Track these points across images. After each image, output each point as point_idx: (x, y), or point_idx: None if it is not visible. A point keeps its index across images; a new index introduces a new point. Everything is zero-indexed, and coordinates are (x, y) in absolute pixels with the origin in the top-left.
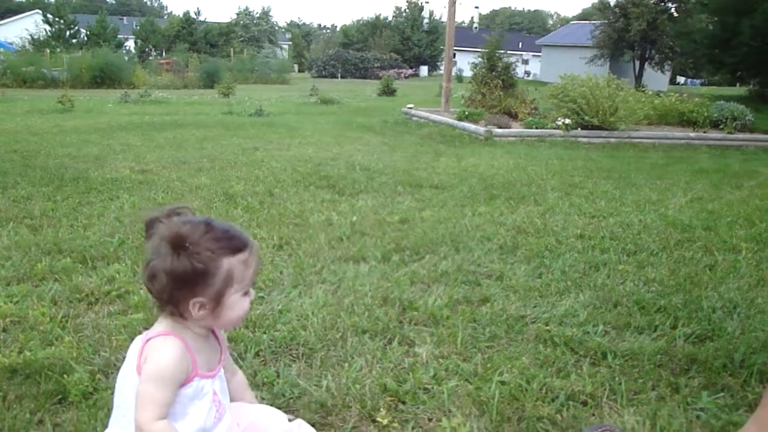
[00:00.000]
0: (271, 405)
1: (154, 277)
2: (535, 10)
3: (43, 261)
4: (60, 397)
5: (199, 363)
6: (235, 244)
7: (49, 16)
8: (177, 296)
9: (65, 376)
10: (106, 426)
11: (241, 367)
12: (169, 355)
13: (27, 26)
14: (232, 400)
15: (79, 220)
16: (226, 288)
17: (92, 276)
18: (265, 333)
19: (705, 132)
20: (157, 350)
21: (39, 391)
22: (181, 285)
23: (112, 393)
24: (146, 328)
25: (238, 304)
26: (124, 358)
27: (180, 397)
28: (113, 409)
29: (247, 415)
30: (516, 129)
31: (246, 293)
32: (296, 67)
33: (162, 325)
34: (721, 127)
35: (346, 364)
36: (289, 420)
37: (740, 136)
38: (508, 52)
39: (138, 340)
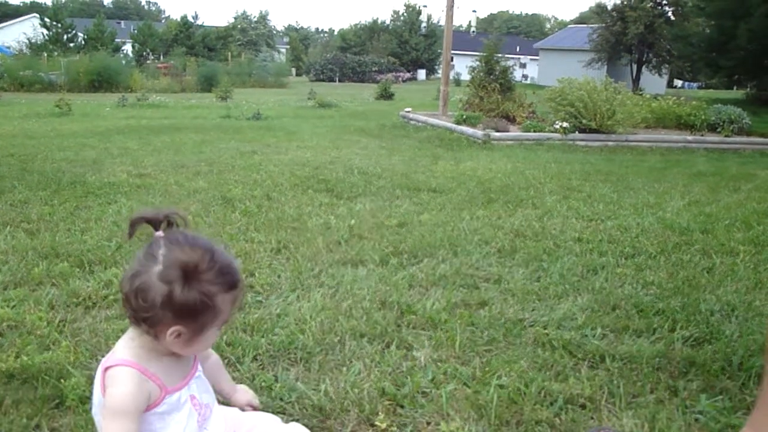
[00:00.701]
0: (269, 409)
1: (142, 293)
2: (532, 14)
3: (40, 265)
4: (57, 401)
5: (167, 381)
6: (232, 281)
7: (46, 19)
8: (160, 319)
9: (62, 380)
10: None
11: (239, 371)
12: (124, 390)
13: (24, 30)
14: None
15: (77, 224)
16: (210, 323)
17: (89, 280)
18: (263, 337)
19: (702, 135)
20: (113, 384)
21: (36, 395)
22: (173, 312)
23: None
24: None
25: (210, 338)
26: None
27: (155, 417)
28: None
29: (243, 423)
30: (514, 132)
31: (219, 328)
32: (294, 70)
33: (123, 347)
34: (718, 130)
35: (345, 368)
36: (285, 423)
37: (737, 139)
38: (506, 55)
39: (100, 367)
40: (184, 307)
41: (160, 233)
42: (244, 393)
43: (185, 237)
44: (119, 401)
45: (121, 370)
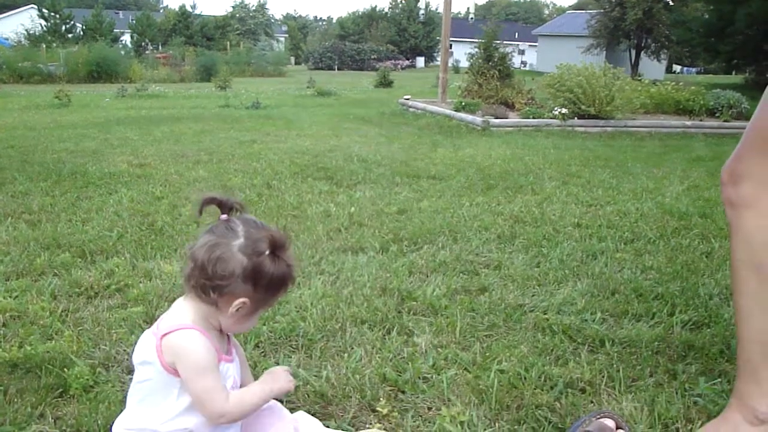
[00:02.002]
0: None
1: (222, 263)
2: (531, 0)
3: (42, 256)
4: (61, 390)
5: (219, 348)
6: (295, 270)
7: (44, 10)
8: (234, 290)
9: (66, 369)
10: (110, 420)
11: None
12: (200, 347)
13: (22, 21)
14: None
15: (78, 215)
16: (268, 303)
17: (91, 270)
18: (264, 324)
19: (701, 120)
20: (185, 346)
21: (40, 385)
22: (253, 283)
23: (116, 385)
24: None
25: (256, 320)
26: (132, 351)
27: None
28: (134, 404)
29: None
30: (513, 119)
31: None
32: (293, 59)
33: (179, 315)
34: (717, 115)
35: (346, 355)
36: (291, 411)
37: (736, 124)
38: (505, 42)
39: (150, 335)
40: (272, 279)
41: (225, 216)
42: None
43: (260, 221)
44: (201, 358)
45: (188, 332)
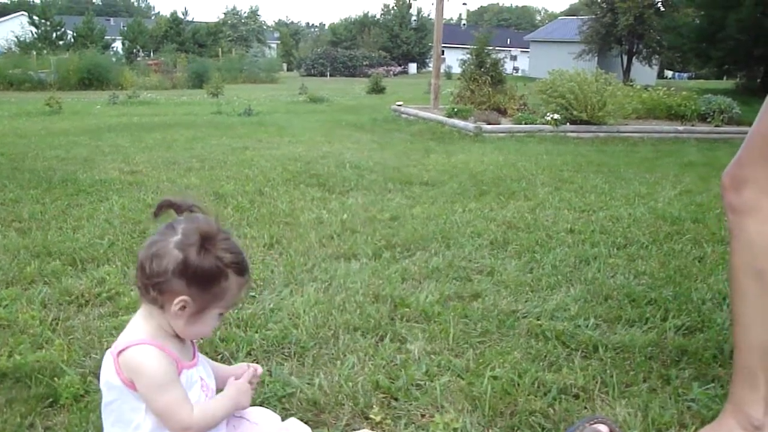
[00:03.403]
0: (264, 404)
1: (157, 258)
2: (523, 6)
3: (32, 264)
4: (51, 400)
5: (180, 357)
6: (243, 266)
7: (35, 17)
8: (171, 287)
9: (56, 379)
10: (100, 430)
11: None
12: (155, 363)
13: (13, 28)
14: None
15: (69, 223)
16: (215, 302)
17: (82, 278)
18: (256, 332)
19: (693, 125)
20: (141, 362)
21: (29, 394)
22: (186, 279)
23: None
24: None
25: (210, 321)
26: (99, 373)
27: None
28: (108, 427)
29: (242, 419)
30: (505, 125)
31: (221, 314)
32: (285, 66)
33: (134, 330)
34: (708, 120)
35: (339, 362)
36: (282, 419)
37: (728, 128)
38: (497, 48)
39: (108, 355)
40: (197, 272)
41: (181, 218)
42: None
43: (205, 217)
44: (159, 374)
45: (142, 348)
